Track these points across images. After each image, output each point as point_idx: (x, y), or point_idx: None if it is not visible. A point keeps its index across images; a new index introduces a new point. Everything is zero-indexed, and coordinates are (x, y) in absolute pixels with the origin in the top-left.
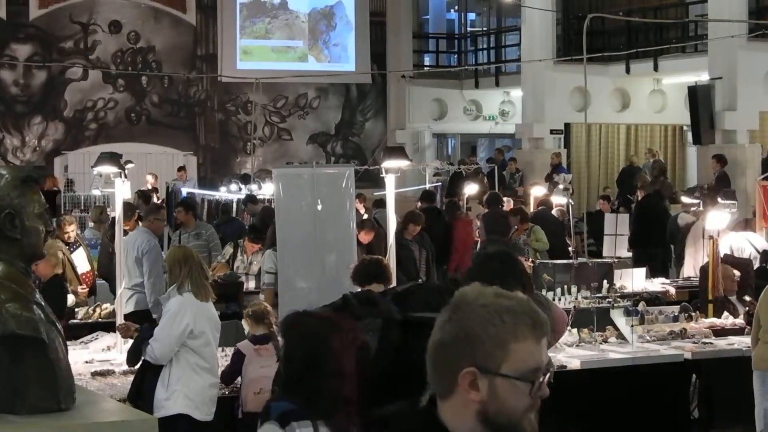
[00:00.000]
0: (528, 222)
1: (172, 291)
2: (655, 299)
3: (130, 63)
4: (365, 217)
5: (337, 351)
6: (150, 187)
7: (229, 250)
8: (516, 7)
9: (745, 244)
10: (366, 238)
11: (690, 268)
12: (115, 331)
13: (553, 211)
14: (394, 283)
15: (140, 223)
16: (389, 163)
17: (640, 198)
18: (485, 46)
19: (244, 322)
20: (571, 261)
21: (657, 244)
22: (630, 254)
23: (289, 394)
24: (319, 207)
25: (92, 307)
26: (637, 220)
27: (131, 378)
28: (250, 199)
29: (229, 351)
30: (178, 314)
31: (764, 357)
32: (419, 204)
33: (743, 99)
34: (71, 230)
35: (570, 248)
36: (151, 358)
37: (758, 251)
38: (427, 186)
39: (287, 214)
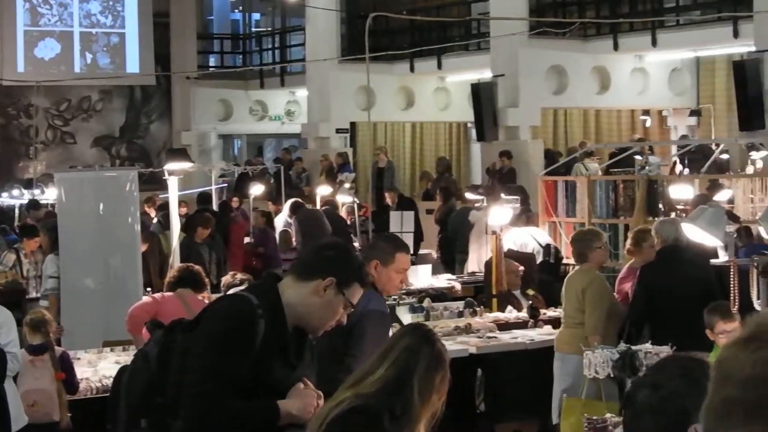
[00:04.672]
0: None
1: None
2: (440, 295)
3: None
4: (155, 221)
5: None
6: None
7: (11, 257)
8: (300, 7)
9: (529, 239)
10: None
11: (474, 264)
12: None
13: (342, 211)
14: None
15: None
16: (172, 165)
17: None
18: (270, 46)
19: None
20: None
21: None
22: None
23: None
24: (101, 210)
25: None
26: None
27: None
28: (33, 204)
29: None
30: None
31: (565, 340)
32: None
33: (525, 96)
34: None
35: (356, 246)
36: None
37: (541, 245)
38: (213, 188)
39: (70, 218)
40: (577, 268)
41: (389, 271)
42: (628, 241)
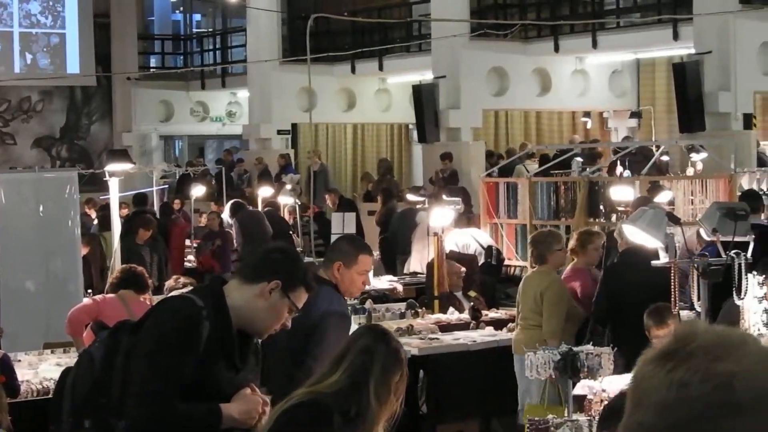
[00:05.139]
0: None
1: None
2: (382, 297)
3: None
4: (96, 222)
5: None
6: None
7: None
8: (241, 8)
9: (470, 240)
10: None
11: (417, 263)
12: None
13: (284, 212)
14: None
15: None
16: (113, 167)
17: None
18: (211, 47)
19: None
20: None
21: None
22: None
23: None
24: (42, 212)
25: None
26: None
27: None
28: None
29: None
30: None
31: (522, 342)
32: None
33: (466, 97)
34: None
35: (299, 248)
36: None
37: (483, 247)
38: (154, 189)
39: (10, 219)
40: (535, 269)
41: (352, 273)
42: (572, 242)
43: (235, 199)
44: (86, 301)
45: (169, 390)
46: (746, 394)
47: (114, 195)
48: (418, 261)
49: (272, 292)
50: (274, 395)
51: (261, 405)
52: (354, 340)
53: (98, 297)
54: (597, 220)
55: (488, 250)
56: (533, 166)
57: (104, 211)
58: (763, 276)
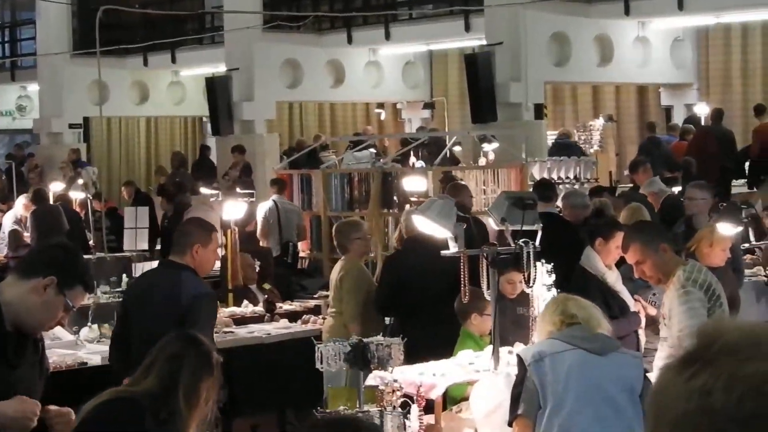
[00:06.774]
0: None
1: None
2: None
3: None
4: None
5: None
6: None
7: None
8: (30, 0)
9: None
10: None
11: None
12: None
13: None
14: None
15: None
16: None
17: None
18: (0, 39)
19: None
20: (89, 256)
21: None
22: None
23: None
24: None
25: None
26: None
27: None
28: None
29: None
30: None
31: (327, 329)
32: None
33: (260, 89)
34: None
35: (90, 243)
36: None
37: (280, 222)
38: None
39: None
40: (341, 258)
41: (209, 252)
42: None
43: (38, 187)
44: None
45: None
46: None
47: None
48: None
49: (47, 289)
50: None
51: (36, 407)
52: (163, 347)
53: None
54: (390, 210)
55: (285, 246)
56: (330, 157)
57: None
58: (552, 264)
